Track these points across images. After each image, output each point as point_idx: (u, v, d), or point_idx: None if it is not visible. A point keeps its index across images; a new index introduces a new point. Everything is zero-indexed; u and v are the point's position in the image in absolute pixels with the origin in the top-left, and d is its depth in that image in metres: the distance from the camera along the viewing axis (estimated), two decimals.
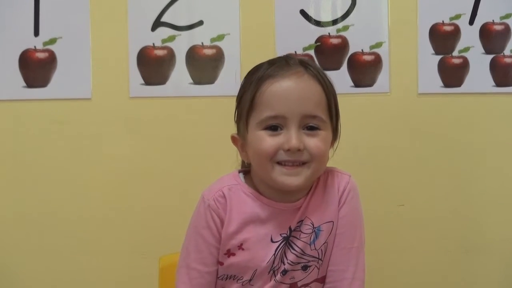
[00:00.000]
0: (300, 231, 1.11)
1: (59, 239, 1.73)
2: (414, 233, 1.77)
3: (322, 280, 1.14)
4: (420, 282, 1.77)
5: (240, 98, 1.13)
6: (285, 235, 1.10)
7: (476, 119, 1.78)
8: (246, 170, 1.17)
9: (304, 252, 1.11)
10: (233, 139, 1.15)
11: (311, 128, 1.06)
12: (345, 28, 1.74)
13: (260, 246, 1.10)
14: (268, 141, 1.05)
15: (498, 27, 1.76)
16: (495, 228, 1.78)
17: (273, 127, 1.06)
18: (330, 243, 1.12)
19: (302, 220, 1.11)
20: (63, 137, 1.73)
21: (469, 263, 1.78)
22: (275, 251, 1.10)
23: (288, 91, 1.06)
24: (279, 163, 1.06)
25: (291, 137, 1.04)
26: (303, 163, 1.06)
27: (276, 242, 1.10)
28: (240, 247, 1.10)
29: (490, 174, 1.78)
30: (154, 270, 1.37)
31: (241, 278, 1.12)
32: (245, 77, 1.14)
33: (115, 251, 1.73)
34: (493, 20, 1.76)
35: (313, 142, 1.06)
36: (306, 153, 1.05)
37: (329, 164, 1.13)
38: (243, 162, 1.17)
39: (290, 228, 1.10)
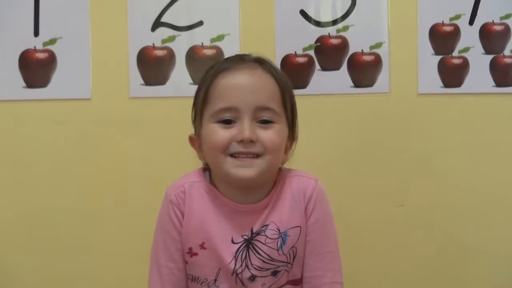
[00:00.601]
0: (265, 235, 1.10)
1: (59, 239, 1.73)
2: (414, 233, 1.77)
3: (294, 282, 1.14)
4: (419, 282, 1.77)
5: (196, 95, 1.13)
6: (246, 237, 1.10)
7: (476, 119, 1.78)
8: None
9: (272, 258, 1.10)
10: (191, 140, 1.15)
11: (265, 122, 1.07)
12: (345, 28, 1.74)
13: (221, 246, 1.10)
14: (220, 133, 1.06)
15: (498, 28, 1.76)
16: (495, 228, 1.78)
17: (227, 121, 1.06)
18: (300, 247, 1.12)
19: (267, 225, 1.10)
20: (63, 137, 1.73)
21: (468, 264, 1.78)
22: (236, 253, 1.09)
23: (241, 84, 1.07)
24: (232, 156, 1.05)
25: (244, 128, 1.04)
26: (257, 156, 1.05)
27: (237, 243, 1.10)
28: (202, 246, 1.10)
29: (490, 174, 1.78)
30: None
31: (205, 281, 1.11)
32: (202, 76, 1.14)
33: (115, 251, 1.73)
34: (493, 21, 1.76)
35: (266, 134, 1.06)
36: (259, 145, 1.05)
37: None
38: None
39: (252, 231, 1.10)
